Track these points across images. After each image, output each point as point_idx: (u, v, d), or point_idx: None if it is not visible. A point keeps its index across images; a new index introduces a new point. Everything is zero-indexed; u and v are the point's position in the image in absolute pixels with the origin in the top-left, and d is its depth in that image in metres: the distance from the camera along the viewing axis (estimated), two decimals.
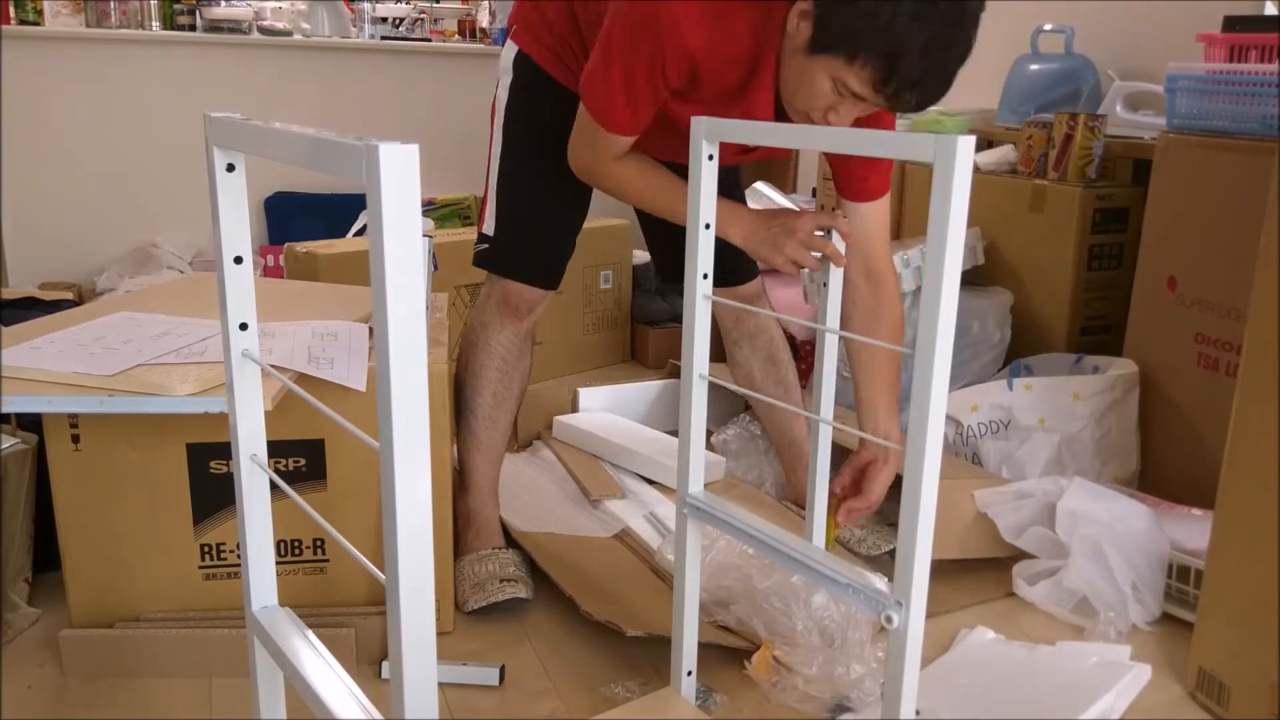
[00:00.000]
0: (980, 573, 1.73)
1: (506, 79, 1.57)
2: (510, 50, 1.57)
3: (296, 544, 1.46)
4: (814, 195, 2.95)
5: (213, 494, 1.43)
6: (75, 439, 1.37)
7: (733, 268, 1.73)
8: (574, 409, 2.40)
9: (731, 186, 1.70)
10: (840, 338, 1.45)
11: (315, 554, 1.47)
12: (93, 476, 1.39)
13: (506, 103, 1.57)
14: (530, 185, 1.58)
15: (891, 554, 1.72)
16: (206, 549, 1.44)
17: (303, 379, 1.30)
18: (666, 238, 1.74)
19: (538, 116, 1.54)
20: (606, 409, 2.39)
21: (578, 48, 1.51)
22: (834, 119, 1.29)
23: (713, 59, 1.30)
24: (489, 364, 1.64)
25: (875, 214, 1.50)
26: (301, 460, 1.43)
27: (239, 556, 1.44)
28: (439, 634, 1.49)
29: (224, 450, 1.41)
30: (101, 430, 1.38)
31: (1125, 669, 1.43)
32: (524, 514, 1.86)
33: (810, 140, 1.05)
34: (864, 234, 1.48)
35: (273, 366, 1.15)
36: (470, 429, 1.67)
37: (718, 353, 2.74)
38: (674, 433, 2.24)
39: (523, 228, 1.59)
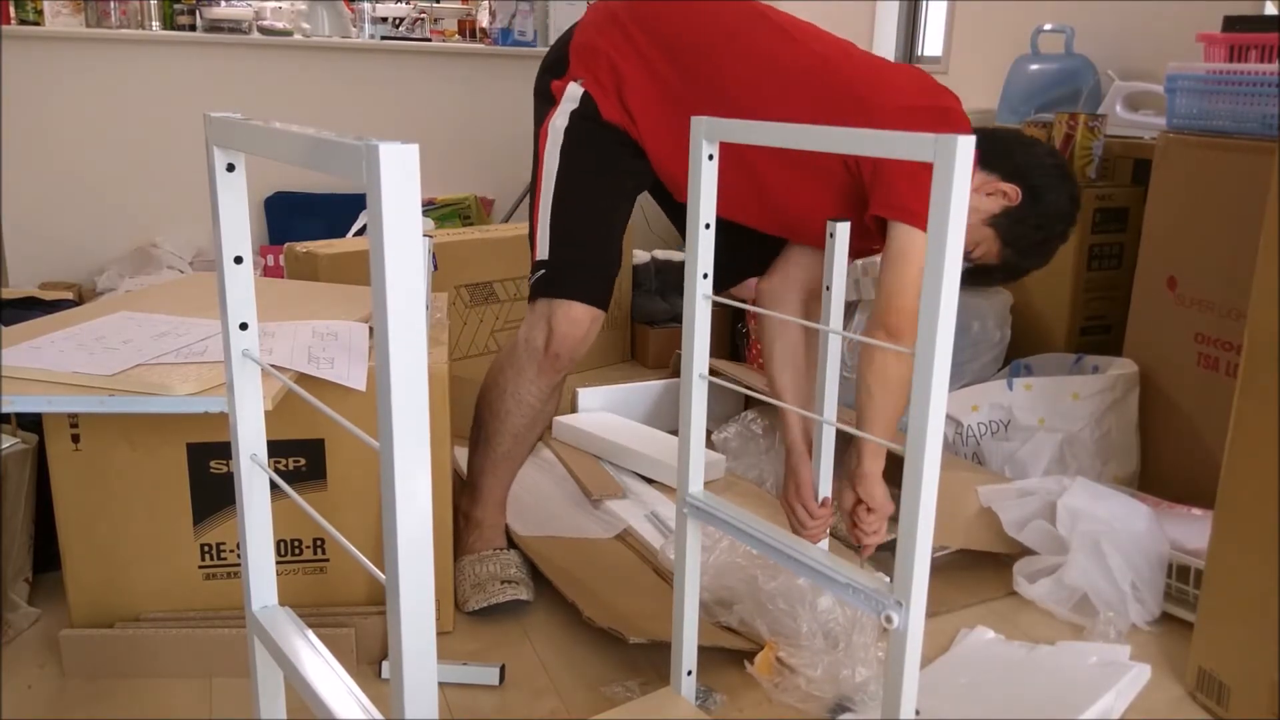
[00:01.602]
0: (980, 571, 1.73)
1: (570, 107, 1.56)
2: (576, 87, 1.56)
3: (296, 544, 1.46)
4: None
5: (213, 494, 1.43)
6: (75, 439, 1.37)
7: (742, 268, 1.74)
8: (573, 409, 2.40)
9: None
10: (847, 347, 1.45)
11: (315, 554, 1.47)
12: (93, 476, 1.39)
13: (566, 128, 1.56)
14: (588, 205, 1.57)
15: (890, 546, 1.73)
16: (206, 549, 1.44)
17: (303, 378, 1.30)
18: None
19: (598, 140, 1.54)
20: (606, 409, 2.40)
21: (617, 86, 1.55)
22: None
23: None
24: (516, 411, 1.60)
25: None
26: (302, 460, 1.43)
27: (239, 557, 1.44)
28: (439, 634, 1.49)
29: (224, 450, 1.41)
30: (101, 430, 1.38)
31: (1125, 669, 1.43)
32: (525, 517, 1.86)
33: (810, 140, 1.05)
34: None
35: (273, 366, 1.15)
36: (488, 456, 1.65)
37: (718, 350, 2.75)
38: (674, 432, 2.25)
39: (580, 247, 1.56)
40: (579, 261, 1.56)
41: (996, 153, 1.58)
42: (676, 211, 1.72)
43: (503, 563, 1.62)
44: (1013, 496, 1.72)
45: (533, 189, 1.60)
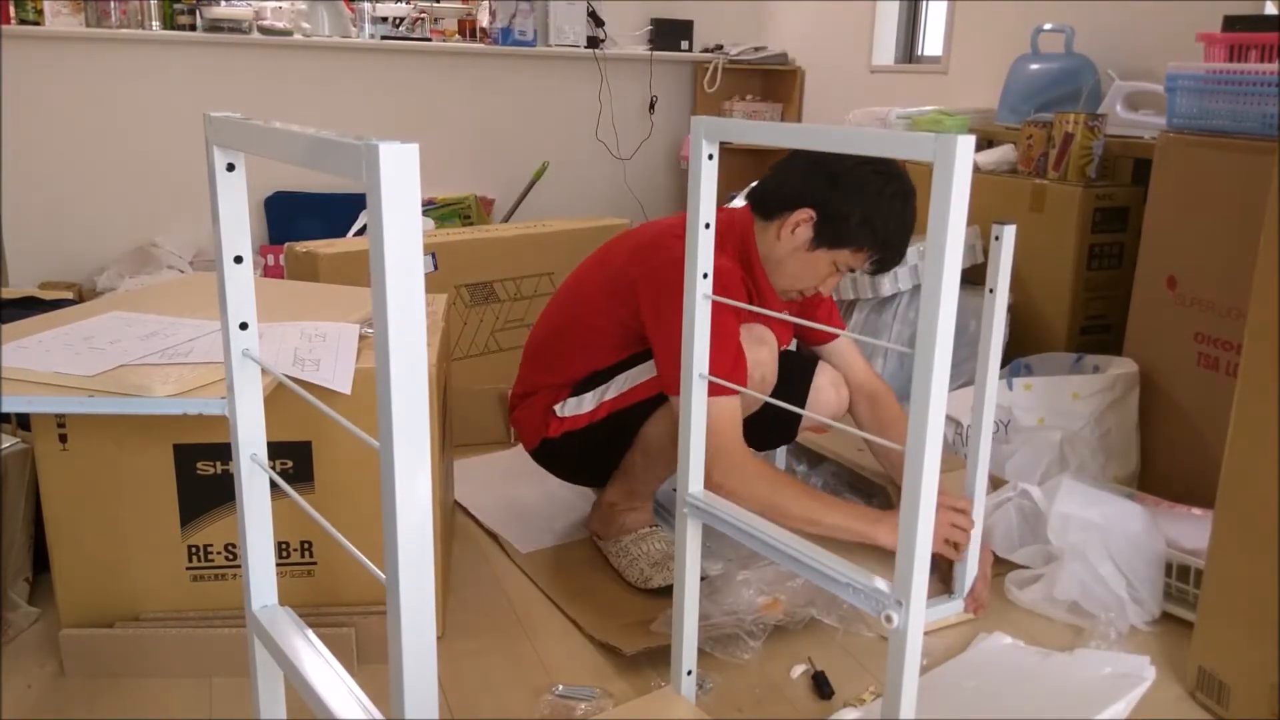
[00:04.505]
0: None
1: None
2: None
3: (284, 546, 1.45)
4: None
5: (200, 496, 1.41)
6: (63, 439, 1.36)
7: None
8: None
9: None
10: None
11: (303, 556, 1.46)
12: (80, 476, 1.38)
13: None
14: None
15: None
16: (194, 550, 1.43)
17: (296, 380, 1.30)
18: None
19: None
20: None
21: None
22: (825, 289, 1.65)
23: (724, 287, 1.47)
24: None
25: (849, 349, 1.79)
26: (289, 463, 1.42)
27: (226, 559, 1.43)
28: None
29: (211, 451, 1.40)
30: (89, 430, 1.37)
31: (1138, 681, 1.41)
32: (523, 532, 1.86)
33: (809, 139, 1.05)
34: (857, 369, 1.78)
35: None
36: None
37: None
38: None
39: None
40: None
41: (766, 200, 1.62)
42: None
43: (666, 540, 1.68)
44: (990, 513, 1.69)
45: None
